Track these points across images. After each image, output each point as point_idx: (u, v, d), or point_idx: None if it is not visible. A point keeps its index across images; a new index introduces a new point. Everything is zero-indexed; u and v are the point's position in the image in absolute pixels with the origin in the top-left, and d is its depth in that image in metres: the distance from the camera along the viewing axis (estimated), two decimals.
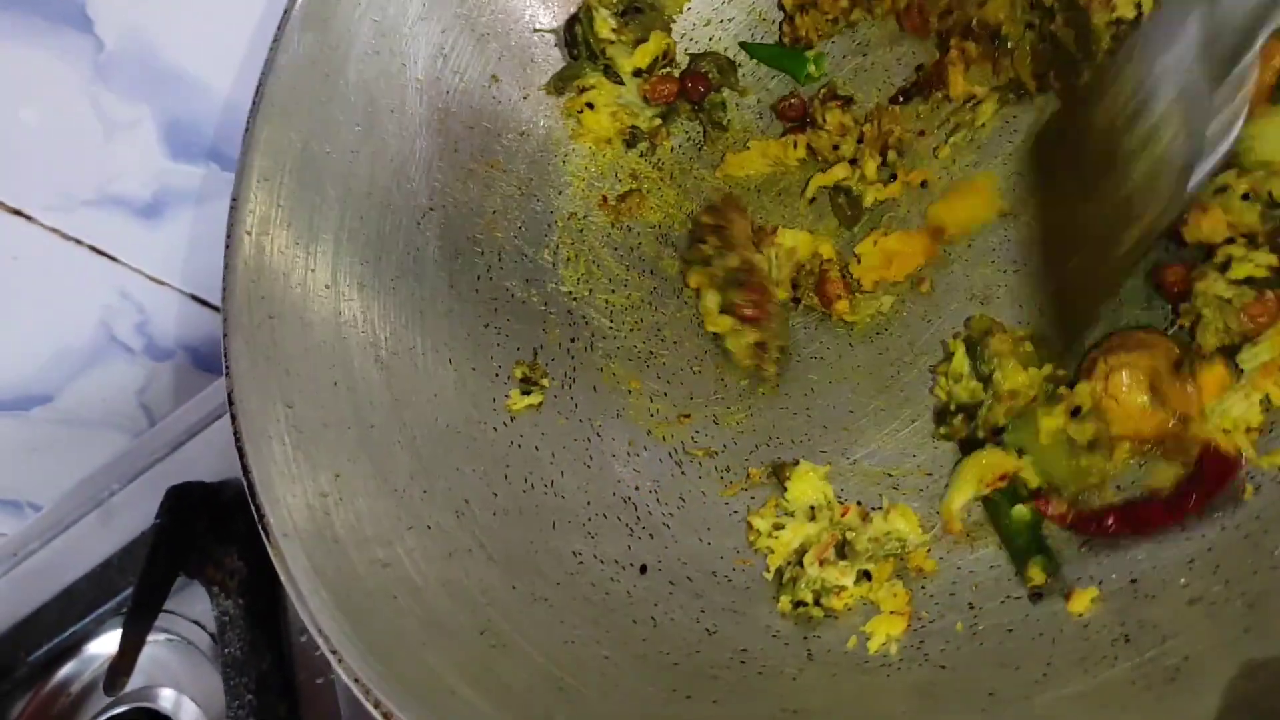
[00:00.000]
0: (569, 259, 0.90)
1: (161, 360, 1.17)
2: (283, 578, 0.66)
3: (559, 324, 0.88)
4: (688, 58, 0.90)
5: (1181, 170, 0.63)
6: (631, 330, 0.88)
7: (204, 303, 1.11)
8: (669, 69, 0.90)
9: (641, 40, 0.88)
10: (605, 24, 0.87)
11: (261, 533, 0.67)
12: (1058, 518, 0.69)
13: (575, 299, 0.89)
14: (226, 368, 0.73)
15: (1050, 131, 0.77)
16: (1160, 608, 0.61)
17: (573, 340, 0.88)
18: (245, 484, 0.69)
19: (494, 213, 0.87)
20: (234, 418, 0.71)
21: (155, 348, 1.15)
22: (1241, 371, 0.66)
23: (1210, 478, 0.65)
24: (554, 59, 0.90)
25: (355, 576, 0.68)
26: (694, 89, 0.89)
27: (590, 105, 0.88)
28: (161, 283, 1.08)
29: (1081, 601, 0.64)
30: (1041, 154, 0.77)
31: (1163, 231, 0.67)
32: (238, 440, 0.70)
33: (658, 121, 0.90)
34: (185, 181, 1.01)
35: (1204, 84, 0.61)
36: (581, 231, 0.90)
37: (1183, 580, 0.62)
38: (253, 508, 0.68)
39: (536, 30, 0.88)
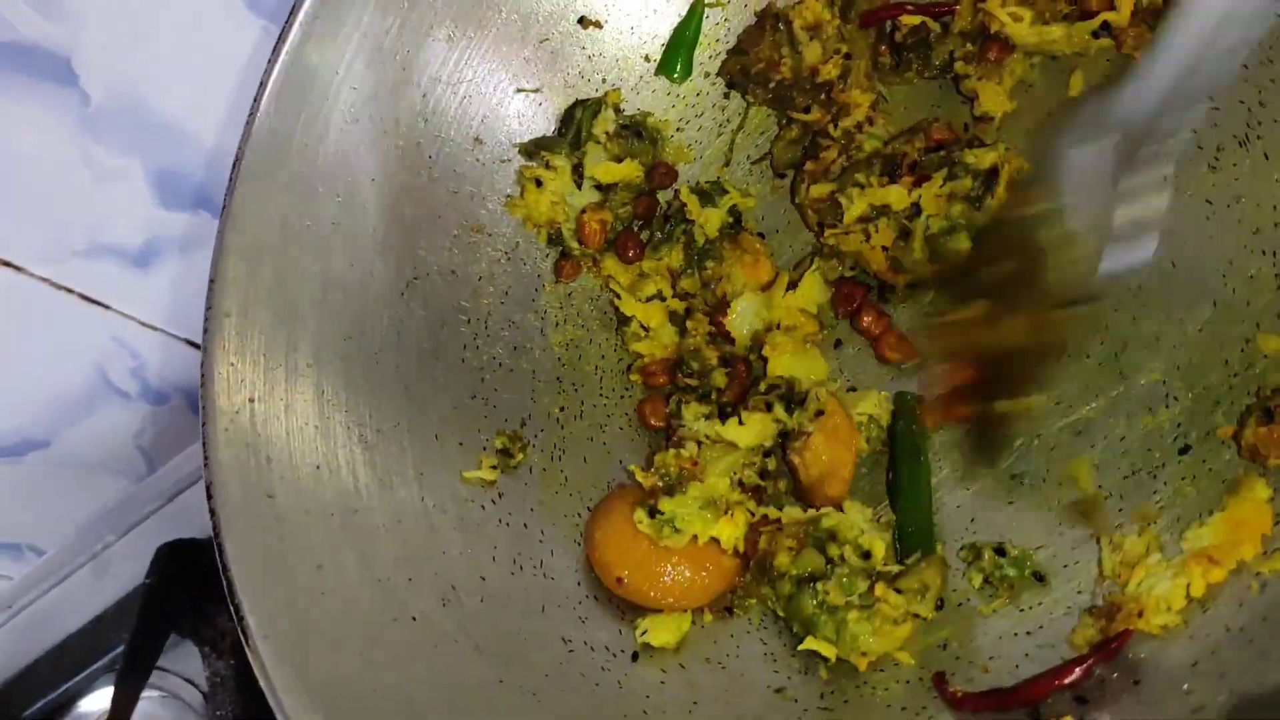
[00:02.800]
0: (556, 324, 0.88)
1: (158, 404, 1.17)
2: (261, 681, 0.65)
3: (547, 392, 0.87)
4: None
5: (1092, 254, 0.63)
6: (622, 396, 0.87)
7: (198, 346, 1.10)
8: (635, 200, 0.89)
9: (619, 159, 0.86)
10: (607, 122, 0.86)
11: (240, 634, 0.66)
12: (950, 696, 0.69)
13: (564, 364, 0.88)
14: (205, 459, 0.72)
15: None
16: (1162, 717, 0.60)
17: (562, 409, 0.86)
18: (224, 582, 0.68)
19: (480, 279, 0.86)
20: (213, 512, 0.70)
21: (151, 392, 1.15)
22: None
23: (1110, 647, 0.65)
24: (537, 123, 0.88)
25: (338, 677, 0.67)
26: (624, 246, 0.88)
27: (539, 182, 0.86)
28: (155, 328, 1.09)
29: None
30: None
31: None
32: (216, 535, 0.69)
33: (575, 244, 0.88)
34: (175, 229, 1.00)
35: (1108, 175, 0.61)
36: (569, 295, 0.89)
37: (1185, 686, 0.60)
38: (231, 607, 0.67)
39: (520, 91, 0.86)
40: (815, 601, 0.72)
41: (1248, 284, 0.70)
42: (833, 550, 0.74)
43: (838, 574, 0.73)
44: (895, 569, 0.73)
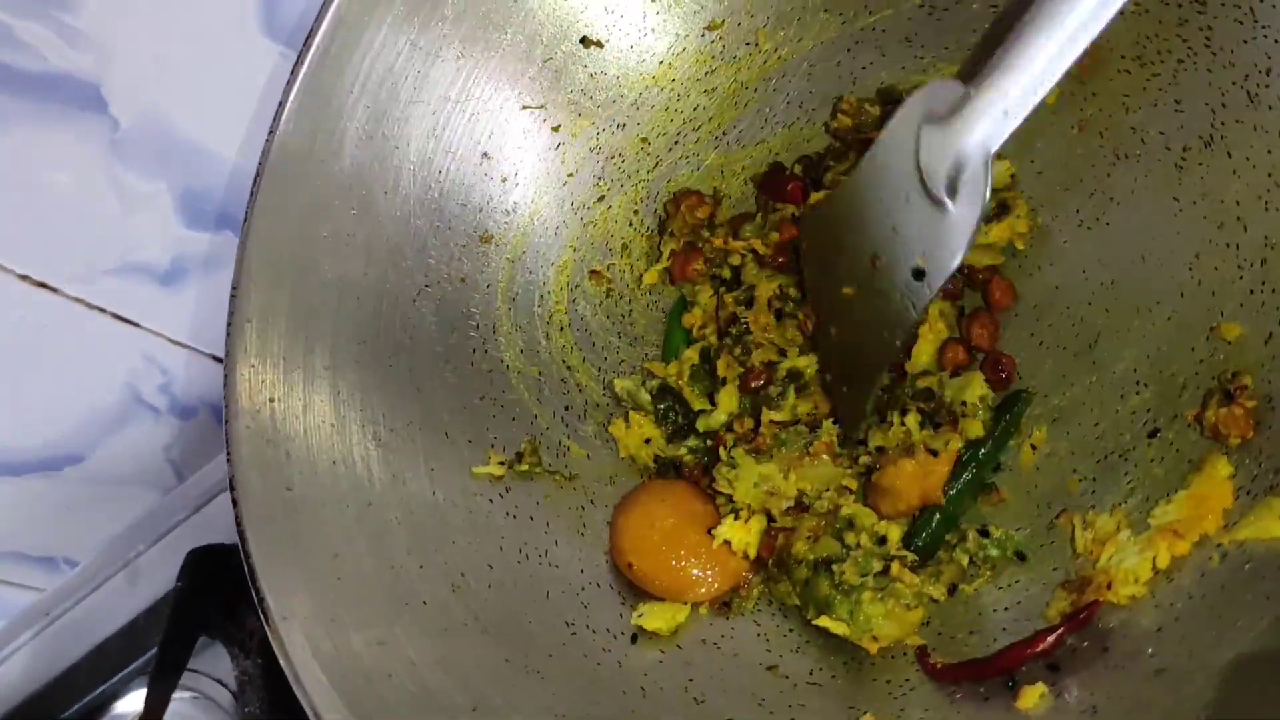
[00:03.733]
0: (562, 328, 0.92)
1: (186, 419, 1.19)
2: (281, 661, 0.68)
3: (553, 393, 0.90)
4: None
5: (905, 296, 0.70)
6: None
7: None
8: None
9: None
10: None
11: (261, 616, 0.70)
12: (930, 667, 0.72)
13: (569, 368, 0.91)
14: (229, 453, 0.75)
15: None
16: (1128, 679, 0.62)
17: (566, 409, 0.90)
18: (246, 568, 0.71)
19: (488, 286, 0.89)
20: (235, 503, 0.73)
21: (180, 407, 1.17)
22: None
23: (1080, 617, 0.68)
24: (541, 138, 0.91)
25: (352, 656, 0.70)
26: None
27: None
28: (183, 345, 1.11)
29: (1030, 697, 0.65)
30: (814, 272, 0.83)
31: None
32: (239, 525, 0.72)
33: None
34: (201, 248, 1.03)
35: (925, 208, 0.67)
36: (574, 302, 0.92)
37: (1150, 650, 0.63)
38: (253, 591, 0.70)
39: (525, 108, 0.90)
40: (831, 582, 0.75)
41: (1212, 275, 0.72)
42: (850, 538, 0.77)
43: (853, 555, 0.76)
44: (911, 556, 0.76)
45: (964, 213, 0.64)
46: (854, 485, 0.80)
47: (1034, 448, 0.77)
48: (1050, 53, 0.60)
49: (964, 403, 0.79)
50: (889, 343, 0.75)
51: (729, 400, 0.85)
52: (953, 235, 0.65)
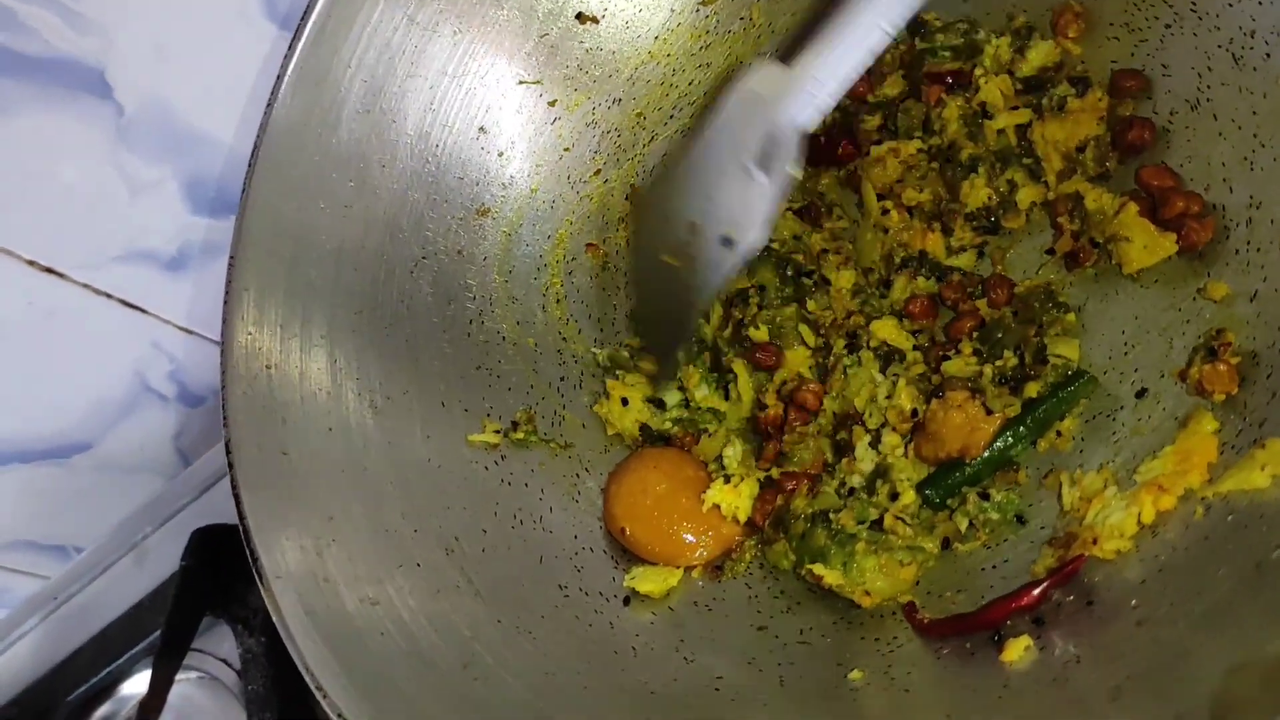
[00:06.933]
0: (558, 300, 0.93)
1: (194, 406, 1.20)
2: (275, 619, 0.69)
3: (549, 363, 0.91)
4: None
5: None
6: None
7: None
8: None
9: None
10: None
11: (256, 576, 0.70)
12: (918, 623, 0.72)
13: (565, 339, 0.92)
14: (225, 418, 0.76)
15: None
16: (1111, 631, 0.62)
17: (562, 379, 0.91)
18: (241, 529, 0.72)
19: (485, 259, 0.90)
20: (231, 466, 0.74)
21: (187, 394, 1.18)
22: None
23: (1064, 571, 0.68)
24: (538, 113, 0.93)
25: (345, 615, 0.71)
26: None
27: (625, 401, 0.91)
28: (190, 332, 1.12)
29: (1015, 650, 0.65)
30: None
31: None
32: (234, 487, 0.73)
33: None
34: (208, 234, 1.04)
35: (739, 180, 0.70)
36: (571, 274, 0.93)
37: (1134, 602, 0.63)
38: (248, 552, 0.71)
39: (521, 83, 0.91)
40: (828, 533, 0.76)
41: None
42: (880, 487, 0.78)
43: (849, 503, 0.77)
44: (914, 505, 0.77)
45: (769, 183, 0.68)
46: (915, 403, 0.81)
47: (1059, 434, 0.76)
48: (853, 37, 0.63)
49: (1051, 356, 0.78)
50: (693, 306, 0.80)
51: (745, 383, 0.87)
52: (757, 205, 0.69)
